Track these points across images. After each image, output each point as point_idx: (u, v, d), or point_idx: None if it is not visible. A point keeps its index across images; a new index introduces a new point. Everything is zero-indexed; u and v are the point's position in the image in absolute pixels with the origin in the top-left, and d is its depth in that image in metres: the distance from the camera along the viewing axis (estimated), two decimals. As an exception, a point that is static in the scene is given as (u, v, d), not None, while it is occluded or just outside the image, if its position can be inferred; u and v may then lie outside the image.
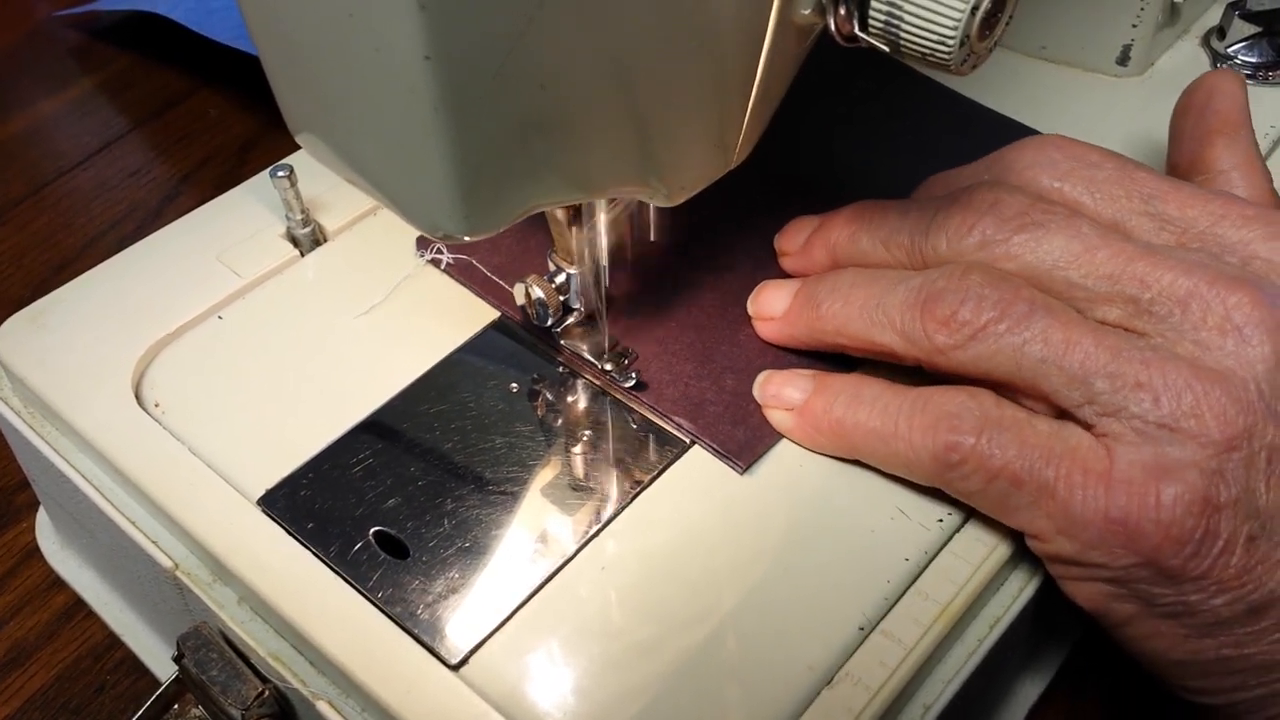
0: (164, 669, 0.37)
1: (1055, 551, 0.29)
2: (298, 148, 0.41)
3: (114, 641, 0.39)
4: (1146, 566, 0.27)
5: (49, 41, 0.68)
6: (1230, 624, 0.27)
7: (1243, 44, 0.47)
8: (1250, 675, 0.28)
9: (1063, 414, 0.29)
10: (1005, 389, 0.30)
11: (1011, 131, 0.41)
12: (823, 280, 0.33)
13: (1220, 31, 0.47)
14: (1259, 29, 0.47)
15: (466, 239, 0.24)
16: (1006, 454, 0.28)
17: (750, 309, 0.35)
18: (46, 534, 0.41)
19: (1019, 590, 0.31)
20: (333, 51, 0.21)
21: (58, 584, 0.41)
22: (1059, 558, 0.29)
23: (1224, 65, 0.47)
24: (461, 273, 0.36)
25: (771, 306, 0.34)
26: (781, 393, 0.32)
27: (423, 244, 0.37)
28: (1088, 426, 0.28)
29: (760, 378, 0.33)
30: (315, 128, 0.25)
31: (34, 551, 0.42)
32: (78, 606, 0.40)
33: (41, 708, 0.38)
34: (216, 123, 0.61)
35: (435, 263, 0.37)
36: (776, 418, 0.32)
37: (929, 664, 0.29)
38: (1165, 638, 0.28)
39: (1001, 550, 0.30)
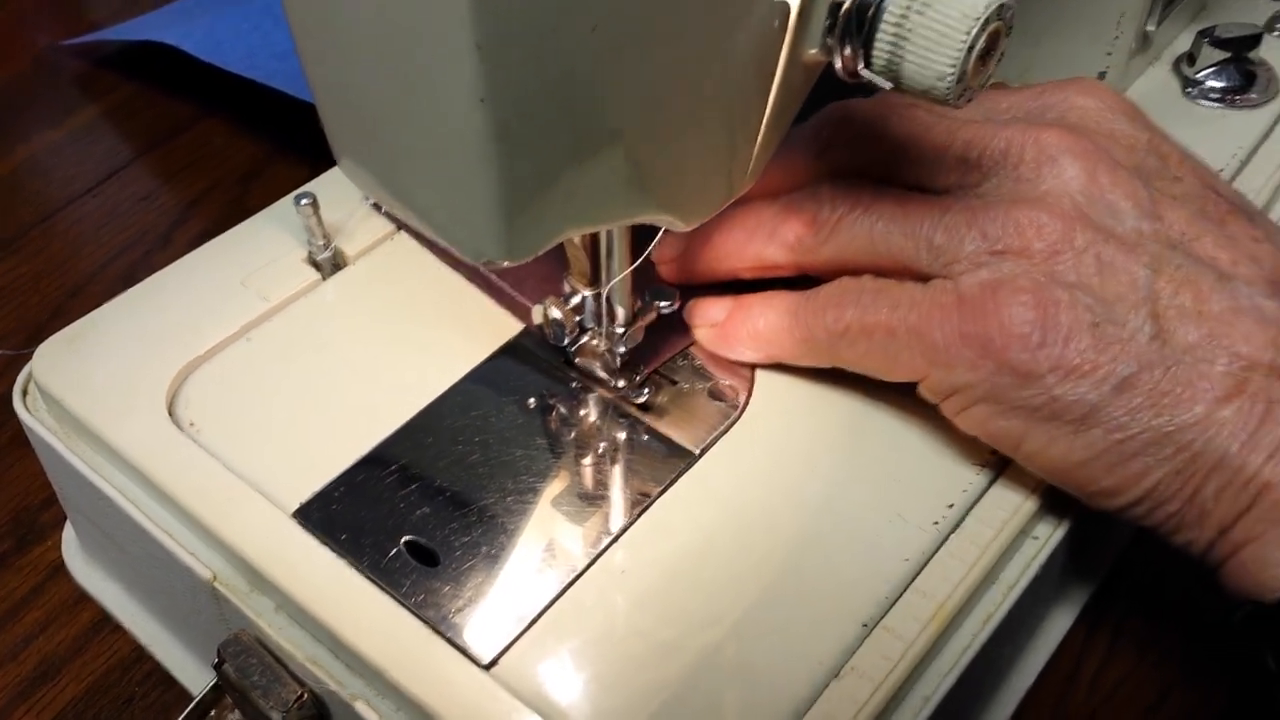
0: (192, 679, 0.39)
1: (935, 384, 0.32)
2: (301, 174, 0.43)
3: (141, 654, 0.40)
4: (1005, 371, 0.30)
5: (52, 70, 0.69)
6: (1102, 408, 0.30)
7: (1212, 69, 0.49)
8: (1147, 456, 0.30)
9: (924, 279, 0.33)
10: (874, 271, 0.34)
11: None
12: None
13: (1190, 58, 0.50)
14: (1227, 54, 0.49)
15: (505, 264, 0.25)
16: (879, 312, 0.33)
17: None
18: (72, 550, 0.43)
19: (1010, 586, 0.33)
20: (389, 90, 0.23)
21: (84, 599, 0.42)
22: (940, 390, 0.32)
23: (1193, 90, 0.49)
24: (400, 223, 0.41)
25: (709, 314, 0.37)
26: (707, 312, 0.37)
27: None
28: (944, 280, 0.32)
29: (689, 305, 0.37)
30: (360, 155, 0.26)
31: (59, 568, 0.43)
32: (104, 621, 0.41)
33: (74, 718, 0.39)
34: (220, 150, 0.63)
35: (376, 207, 0.42)
36: (702, 334, 0.37)
37: (928, 658, 0.31)
38: (1059, 442, 0.31)
39: (994, 549, 0.32)
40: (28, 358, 0.38)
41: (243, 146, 0.63)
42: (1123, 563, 0.41)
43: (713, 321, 0.37)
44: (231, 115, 0.64)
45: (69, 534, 0.43)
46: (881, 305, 0.33)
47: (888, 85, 0.27)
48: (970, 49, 0.26)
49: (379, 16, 0.23)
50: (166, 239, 0.57)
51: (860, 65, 0.27)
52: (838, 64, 0.28)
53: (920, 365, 0.32)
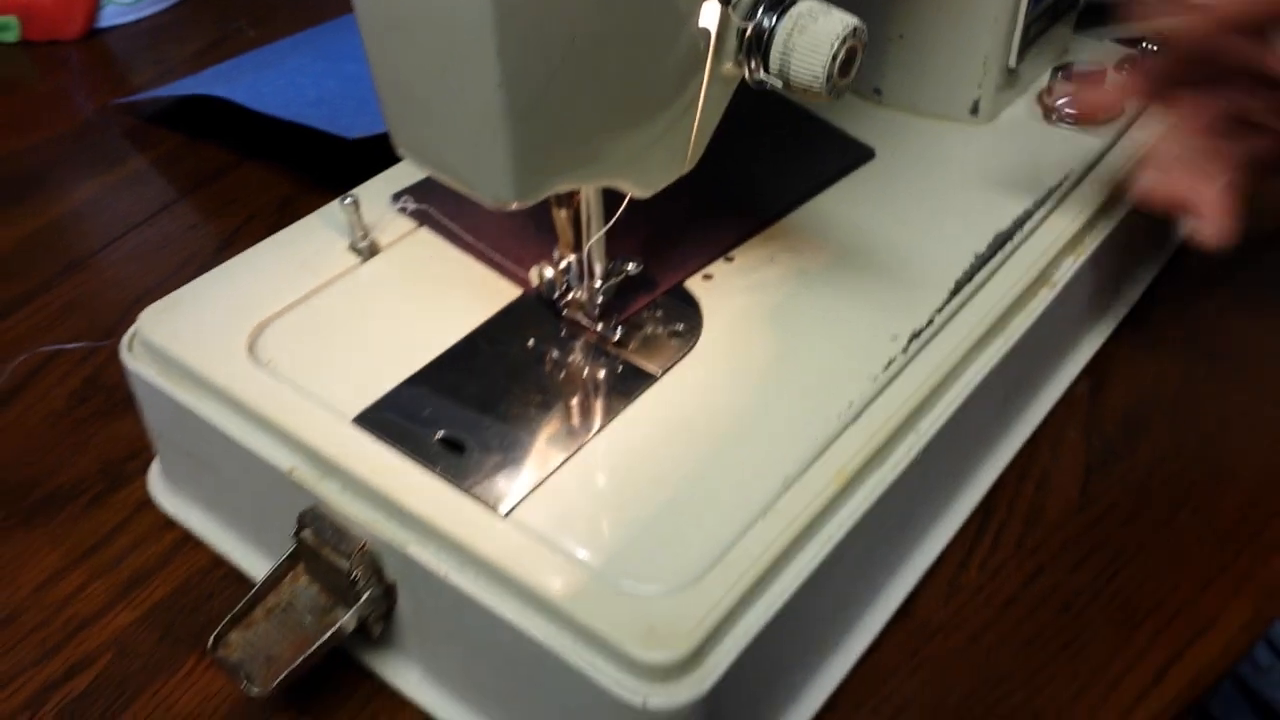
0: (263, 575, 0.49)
1: None
2: (324, 203, 0.54)
3: (218, 563, 0.50)
4: None
5: (105, 127, 0.81)
6: None
7: (1065, 99, 0.62)
8: None
9: None
10: None
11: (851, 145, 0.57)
12: None
13: (1049, 89, 0.62)
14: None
15: (514, 206, 0.37)
16: None
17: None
18: (158, 486, 0.53)
19: (895, 465, 0.43)
20: (435, 83, 0.34)
21: (168, 525, 0.52)
22: None
23: (1052, 115, 0.62)
24: (422, 220, 0.52)
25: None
26: None
27: (395, 198, 0.53)
28: None
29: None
30: (414, 142, 0.38)
31: (144, 504, 0.53)
32: (185, 540, 0.51)
33: (165, 610, 0.49)
34: (256, 187, 0.74)
35: (402, 210, 0.53)
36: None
37: (831, 508, 0.41)
38: None
39: (882, 435, 0.43)
40: (105, 350, 0.49)
41: (276, 184, 0.74)
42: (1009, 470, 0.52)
43: None
44: (265, 160, 0.76)
45: (154, 472, 0.53)
46: None
47: (781, 86, 0.39)
48: (835, 58, 0.38)
49: (430, 34, 0.34)
50: (217, 255, 0.68)
51: (761, 73, 0.39)
52: (745, 74, 0.39)
53: None
